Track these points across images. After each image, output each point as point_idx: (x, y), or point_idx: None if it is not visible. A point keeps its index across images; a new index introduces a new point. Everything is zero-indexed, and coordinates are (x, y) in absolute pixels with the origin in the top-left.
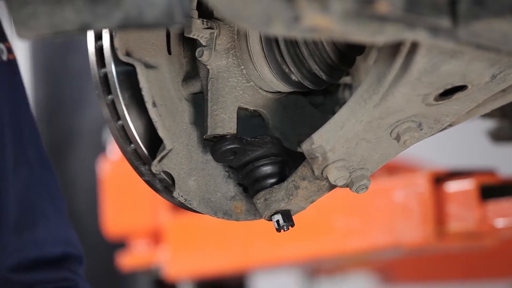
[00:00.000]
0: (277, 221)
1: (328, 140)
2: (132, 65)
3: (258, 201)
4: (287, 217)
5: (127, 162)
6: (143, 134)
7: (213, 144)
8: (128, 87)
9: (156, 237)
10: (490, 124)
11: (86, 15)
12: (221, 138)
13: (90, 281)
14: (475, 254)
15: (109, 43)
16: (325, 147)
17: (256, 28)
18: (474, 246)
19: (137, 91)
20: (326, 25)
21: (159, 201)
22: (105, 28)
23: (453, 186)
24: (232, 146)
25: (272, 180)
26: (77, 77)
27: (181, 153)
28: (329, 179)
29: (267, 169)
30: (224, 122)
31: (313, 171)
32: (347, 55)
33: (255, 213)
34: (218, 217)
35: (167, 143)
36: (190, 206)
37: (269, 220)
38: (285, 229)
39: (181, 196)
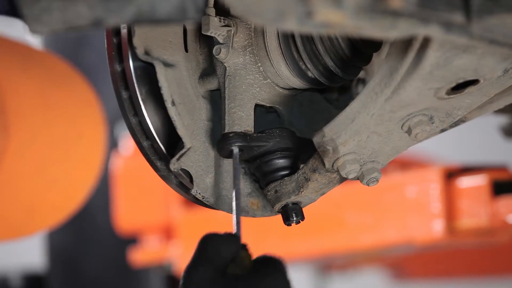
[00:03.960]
0: (287, 215)
1: (339, 133)
2: (149, 62)
3: (268, 193)
4: (297, 211)
5: (140, 157)
6: (159, 129)
7: (217, 142)
8: (145, 83)
9: (168, 233)
10: (502, 119)
11: (98, 10)
12: (226, 135)
13: (102, 277)
14: (487, 250)
15: (127, 38)
16: (336, 140)
17: (269, 24)
18: (486, 242)
19: (154, 86)
20: (339, 20)
21: (171, 197)
22: (118, 23)
23: (465, 182)
24: (235, 144)
25: (283, 173)
26: (89, 73)
27: (199, 151)
28: (340, 171)
29: (275, 163)
30: (241, 119)
31: (324, 164)
32: (363, 52)
33: (271, 210)
34: None
35: (186, 141)
36: (207, 204)
37: (279, 213)
38: (295, 223)
39: (199, 193)
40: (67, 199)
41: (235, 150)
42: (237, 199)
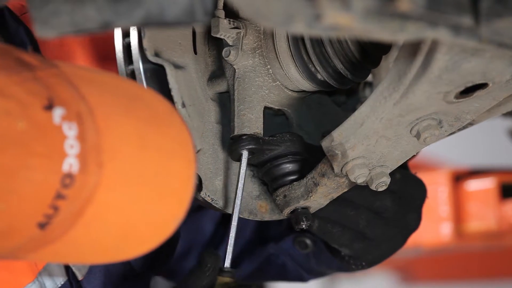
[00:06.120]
0: (297, 219)
1: (348, 137)
2: (159, 64)
3: (277, 198)
4: (307, 215)
5: None
6: None
7: (229, 144)
8: (155, 85)
9: None
10: (511, 122)
11: (107, 13)
12: (238, 138)
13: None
14: (495, 253)
15: (137, 40)
16: (345, 144)
17: (277, 26)
18: (494, 245)
19: (163, 88)
20: (347, 23)
21: None
22: (127, 26)
23: (473, 185)
24: (247, 147)
25: (292, 178)
26: None
27: (208, 153)
28: (349, 176)
29: (286, 167)
30: (251, 122)
31: (332, 168)
32: (372, 54)
33: (279, 212)
34: (243, 217)
35: (196, 143)
36: (216, 206)
37: (288, 217)
38: (304, 227)
39: (208, 196)
40: (157, 230)
41: (244, 153)
42: (237, 206)
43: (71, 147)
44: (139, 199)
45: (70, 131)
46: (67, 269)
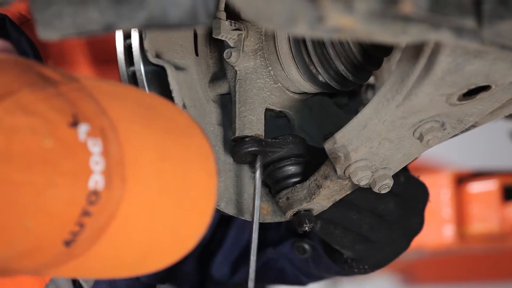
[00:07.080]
0: (300, 221)
1: (351, 139)
2: (160, 66)
3: (280, 200)
4: (310, 217)
5: None
6: None
7: (232, 147)
8: (156, 86)
9: None
10: None
11: (110, 15)
12: (241, 140)
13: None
14: (497, 255)
15: (138, 41)
16: (348, 147)
17: (279, 28)
18: (496, 247)
19: (164, 90)
20: (350, 25)
21: None
22: (130, 28)
23: (475, 187)
24: (250, 149)
25: (294, 180)
26: None
27: None
28: (352, 178)
29: (288, 169)
30: (252, 123)
31: (335, 170)
32: (374, 56)
33: (281, 214)
34: (244, 218)
35: None
36: (217, 208)
37: (291, 220)
38: (307, 229)
39: None
40: (179, 243)
41: (258, 157)
42: (257, 215)
43: (96, 163)
44: (161, 213)
45: (95, 147)
46: (74, 281)
